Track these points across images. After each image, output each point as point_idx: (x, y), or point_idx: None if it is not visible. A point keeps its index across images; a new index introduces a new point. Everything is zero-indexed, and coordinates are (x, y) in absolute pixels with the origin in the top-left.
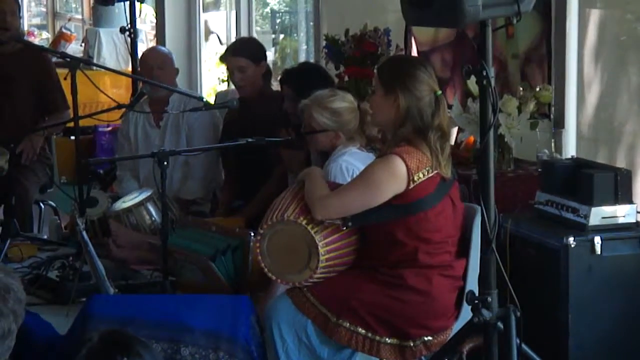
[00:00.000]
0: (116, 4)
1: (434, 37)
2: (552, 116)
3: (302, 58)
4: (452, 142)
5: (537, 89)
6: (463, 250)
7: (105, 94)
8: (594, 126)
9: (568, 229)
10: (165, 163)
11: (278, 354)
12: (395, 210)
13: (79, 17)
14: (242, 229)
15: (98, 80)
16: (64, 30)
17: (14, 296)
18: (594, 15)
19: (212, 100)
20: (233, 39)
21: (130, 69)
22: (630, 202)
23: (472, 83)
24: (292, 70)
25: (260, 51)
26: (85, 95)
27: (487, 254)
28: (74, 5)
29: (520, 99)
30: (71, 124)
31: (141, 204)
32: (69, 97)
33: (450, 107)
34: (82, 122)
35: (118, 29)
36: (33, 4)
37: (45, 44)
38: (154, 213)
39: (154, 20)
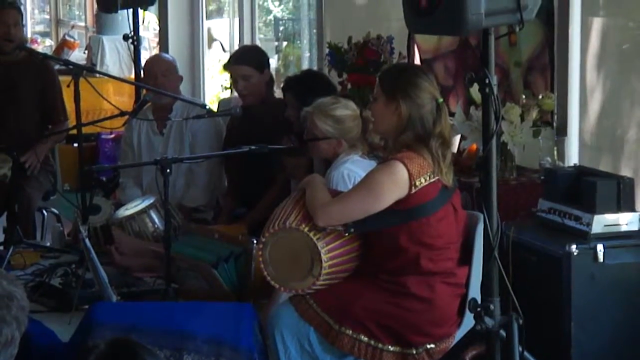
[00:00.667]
0: (119, 11)
1: (437, 45)
2: (554, 124)
3: (305, 65)
4: (455, 149)
5: (540, 97)
6: (465, 258)
7: (108, 102)
8: (597, 134)
9: (570, 236)
10: (168, 170)
11: None
12: (397, 216)
13: (82, 24)
14: (244, 236)
15: (101, 87)
16: (67, 38)
17: (17, 304)
18: (597, 23)
19: (215, 108)
20: (236, 47)
21: (133, 76)
22: (633, 210)
23: (474, 91)
24: (294, 78)
25: (264, 59)
26: (89, 103)
27: (490, 262)
28: (77, 13)
29: (522, 106)
30: (74, 132)
31: (144, 211)
32: (72, 105)
33: (452, 114)
34: (85, 130)
35: (121, 37)
36: (36, 11)
37: (49, 52)
38: (156, 220)
39: (157, 28)
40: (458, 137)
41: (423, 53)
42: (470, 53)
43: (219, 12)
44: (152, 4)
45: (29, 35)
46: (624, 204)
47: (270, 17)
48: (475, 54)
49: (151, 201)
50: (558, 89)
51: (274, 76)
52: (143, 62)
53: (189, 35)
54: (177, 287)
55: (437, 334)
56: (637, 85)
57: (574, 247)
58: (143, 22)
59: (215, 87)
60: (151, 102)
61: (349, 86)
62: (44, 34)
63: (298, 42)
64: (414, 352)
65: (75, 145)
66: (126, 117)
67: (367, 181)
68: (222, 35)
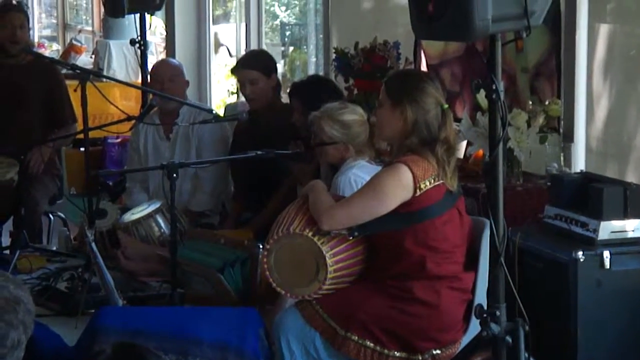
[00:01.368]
0: (126, 16)
1: (444, 51)
2: (561, 130)
3: (311, 71)
4: (461, 155)
5: (547, 103)
6: (472, 264)
7: (115, 106)
8: (603, 140)
9: (577, 243)
10: (175, 175)
11: None
12: (401, 219)
13: (89, 29)
14: (250, 241)
15: (108, 92)
16: (74, 42)
17: (23, 308)
18: (604, 30)
19: (221, 113)
20: (243, 52)
21: (140, 80)
22: None
23: (481, 97)
24: (301, 83)
25: (272, 64)
26: (95, 107)
27: (496, 268)
28: (84, 17)
29: (529, 113)
30: (81, 136)
31: (150, 215)
32: (79, 109)
33: (459, 120)
34: (91, 134)
35: (128, 41)
36: (44, 15)
37: (56, 56)
38: (162, 225)
39: (164, 33)
40: (464, 143)
41: (429, 59)
42: (477, 59)
43: (225, 17)
44: (159, 9)
45: (36, 40)
46: (630, 211)
47: (277, 22)
48: (481, 60)
49: (157, 206)
50: (565, 95)
51: (281, 81)
52: (150, 67)
53: (195, 40)
54: (183, 292)
55: (443, 339)
56: None
57: (580, 253)
58: (150, 27)
59: (222, 92)
60: (158, 107)
61: (356, 91)
62: (51, 39)
63: (304, 47)
64: (420, 357)
65: (82, 149)
66: (133, 121)
67: (371, 184)
68: (228, 40)
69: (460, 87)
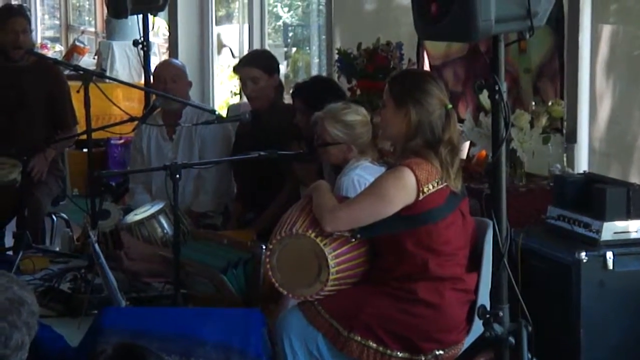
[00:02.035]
0: (129, 17)
1: (446, 51)
2: (564, 131)
3: (314, 71)
4: (464, 156)
5: (550, 104)
6: (475, 264)
7: (118, 107)
8: (606, 141)
9: (580, 244)
10: (178, 176)
11: None
12: (404, 222)
13: (92, 30)
14: (253, 241)
15: (111, 92)
16: (77, 43)
17: (27, 309)
18: (606, 31)
19: (224, 113)
20: (245, 52)
21: (143, 81)
22: None
23: (484, 97)
24: (303, 84)
25: (274, 63)
26: (98, 108)
27: (499, 269)
28: (87, 18)
29: (532, 113)
30: (84, 137)
31: (153, 216)
32: (82, 110)
33: (462, 121)
34: (94, 135)
35: (131, 42)
36: (47, 16)
37: (59, 57)
38: (165, 226)
39: (167, 33)
40: (467, 144)
41: (432, 59)
42: (480, 59)
43: (228, 18)
44: (162, 9)
45: (39, 41)
46: (633, 211)
47: (280, 23)
48: (484, 61)
49: (160, 206)
50: (568, 96)
51: (283, 82)
52: (153, 68)
53: (198, 41)
54: (186, 293)
55: (446, 340)
56: None
57: (583, 254)
58: (153, 28)
59: (225, 93)
60: (161, 108)
61: (359, 92)
62: (54, 40)
63: (307, 48)
64: (423, 358)
65: (85, 150)
66: (135, 122)
67: (375, 187)
68: (231, 41)
69: (463, 88)
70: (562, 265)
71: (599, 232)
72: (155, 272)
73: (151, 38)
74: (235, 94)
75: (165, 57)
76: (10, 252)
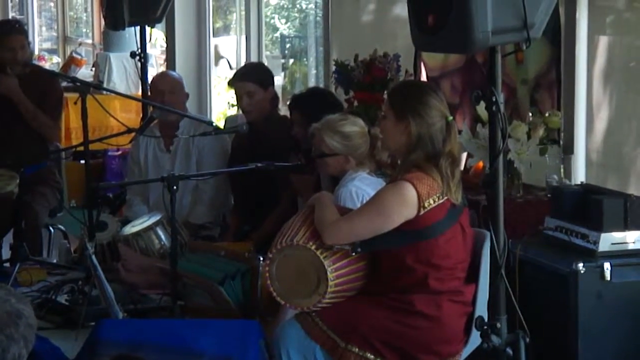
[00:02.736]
0: (127, 28)
1: (444, 63)
2: (561, 142)
3: (311, 83)
4: (462, 167)
5: (547, 115)
6: (472, 276)
7: (115, 118)
8: (603, 152)
9: (577, 254)
10: (175, 187)
11: None
12: (404, 236)
13: (90, 41)
14: (251, 253)
15: (108, 104)
16: (74, 55)
17: (25, 322)
18: (603, 42)
19: (221, 125)
20: (243, 64)
21: (140, 93)
22: None
23: (481, 109)
24: (301, 96)
25: (269, 77)
26: (96, 120)
27: (496, 280)
28: (84, 30)
29: (529, 124)
30: (81, 148)
31: (150, 228)
32: (79, 122)
33: (459, 132)
34: (92, 147)
35: (128, 54)
36: (44, 28)
37: (56, 69)
38: (163, 237)
39: (164, 45)
40: (465, 155)
41: (430, 71)
42: (477, 71)
43: (225, 29)
44: (159, 21)
45: (36, 52)
46: (631, 222)
47: (277, 34)
48: (482, 72)
49: (158, 218)
50: (565, 107)
51: (281, 93)
52: (150, 79)
53: (195, 53)
54: (184, 304)
55: (444, 351)
56: None
57: (580, 265)
58: (150, 40)
59: (222, 104)
60: (158, 119)
61: (356, 104)
62: (52, 51)
63: (305, 59)
64: None
65: (82, 162)
66: (133, 134)
67: (376, 201)
68: (229, 52)
69: (461, 99)
70: (560, 276)
71: (596, 243)
72: (153, 284)
73: (148, 50)
74: (233, 106)
75: (162, 68)
76: (7, 264)
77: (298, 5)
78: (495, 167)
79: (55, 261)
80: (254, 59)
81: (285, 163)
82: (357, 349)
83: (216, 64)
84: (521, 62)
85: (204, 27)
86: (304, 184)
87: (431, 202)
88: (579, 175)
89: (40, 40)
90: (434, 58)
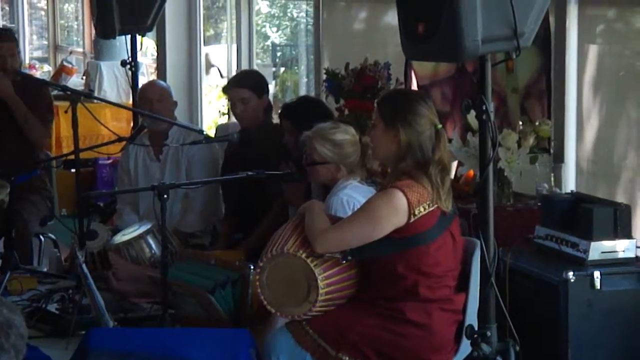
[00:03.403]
0: (117, 37)
1: (434, 71)
2: (551, 150)
3: (302, 91)
4: (452, 176)
5: (537, 124)
6: (463, 284)
7: (106, 127)
8: (594, 161)
9: (567, 263)
10: (165, 196)
11: None
12: (395, 244)
13: (80, 50)
14: (242, 261)
15: (99, 113)
16: (65, 64)
17: (15, 332)
18: (593, 51)
19: (212, 134)
20: (234, 72)
21: (131, 102)
22: (630, 236)
23: (471, 117)
24: (291, 105)
25: (263, 84)
26: (86, 128)
27: (487, 288)
28: (75, 39)
29: (519, 133)
30: (72, 157)
31: (141, 237)
32: (70, 130)
33: (450, 141)
34: (82, 155)
35: (119, 62)
36: (35, 37)
37: (47, 77)
38: (153, 246)
39: (155, 54)
40: (455, 164)
41: (420, 79)
42: (467, 79)
43: (216, 38)
44: (150, 30)
45: (27, 61)
46: (620, 231)
47: (268, 43)
48: (472, 81)
49: (148, 227)
50: (555, 116)
51: (272, 102)
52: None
53: (186, 61)
54: (174, 313)
55: None
56: (633, 112)
57: (570, 273)
58: (141, 48)
59: (213, 113)
60: (147, 128)
61: (346, 112)
62: (42, 60)
63: (295, 68)
64: None
65: (73, 170)
66: (124, 142)
67: (366, 209)
68: (219, 61)
69: (451, 108)
70: (550, 284)
71: (586, 251)
72: (143, 293)
73: (139, 58)
74: (224, 114)
75: (153, 77)
76: None
77: (289, 14)
78: (486, 176)
79: (45, 270)
80: (244, 67)
81: (277, 171)
82: (347, 358)
83: (207, 72)
84: (511, 71)
85: (195, 35)
86: (294, 192)
87: (421, 209)
88: (569, 183)
89: (31, 48)
90: (424, 66)
